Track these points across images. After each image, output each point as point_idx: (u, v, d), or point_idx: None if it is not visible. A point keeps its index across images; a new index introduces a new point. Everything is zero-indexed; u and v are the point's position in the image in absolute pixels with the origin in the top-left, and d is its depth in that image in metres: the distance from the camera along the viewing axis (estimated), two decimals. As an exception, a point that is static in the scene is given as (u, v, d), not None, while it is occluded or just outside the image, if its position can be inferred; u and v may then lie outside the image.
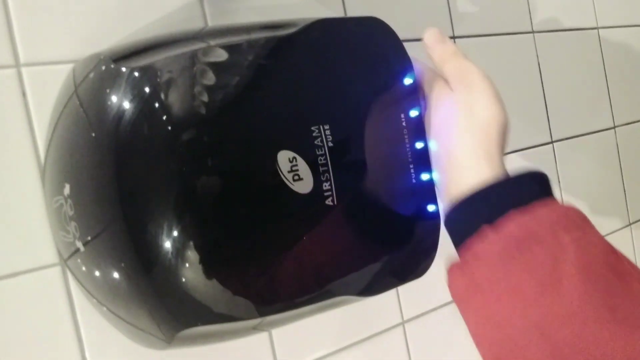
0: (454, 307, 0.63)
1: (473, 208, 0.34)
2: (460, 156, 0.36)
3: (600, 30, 0.83)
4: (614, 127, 0.84)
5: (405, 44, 0.42)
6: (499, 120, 0.36)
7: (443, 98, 0.38)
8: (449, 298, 0.65)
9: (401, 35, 0.41)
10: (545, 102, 0.75)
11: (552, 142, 0.75)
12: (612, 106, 0.84)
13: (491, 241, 0.31)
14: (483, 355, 0.33)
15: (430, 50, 0.41)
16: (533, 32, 0.74)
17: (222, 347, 0.47)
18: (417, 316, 0.61)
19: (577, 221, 0.31)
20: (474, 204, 0.34)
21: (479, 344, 0.33)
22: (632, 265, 0.31)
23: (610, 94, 0.84)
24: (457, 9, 0.65)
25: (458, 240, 0.35)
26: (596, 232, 0.32)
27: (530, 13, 0.74)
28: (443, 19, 0.64)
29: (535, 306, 0.29)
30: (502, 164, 0.35)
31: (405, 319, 0.60)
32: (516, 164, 0.69)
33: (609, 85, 0.84)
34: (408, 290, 0.60)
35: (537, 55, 0.75)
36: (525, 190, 0.33)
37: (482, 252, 0.32)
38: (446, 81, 0.39)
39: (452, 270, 0.35)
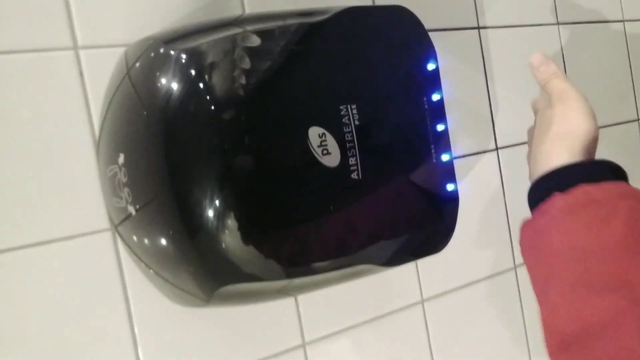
0: (473, 289, 0.66)
1: (549, 180, 0.39)
2: (549, 151, 0.40)
3: (626, 23, 0.84)
4: (638, 119, 0.85)
5: (431, 34, 0.44)
6: (589, 131, 0.40)
7: (544, 113, 0.44)
8: (469, 279, 0.67)
9: (426, 24, 0.44)
10: (569, 93, 0.76)
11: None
12: (637, 98, 0.85)
13: (558, 201, 0.37)
14: (536, 292, 0.39)
15: (535, 70, 0.45)
16: (558, 24, 0.75)
17: (252, 317, 0.51)
18: (437, 296, 0.63)
19: (638, 195, 0.37)
20: (551, 177, 0.39)
21: (534, 282, 0.39)
22: None
23: (635, 86, 0.85)
24: (483, 0, 0.67)
25: (533, 206, 0.40)
26: None
27: (555, 5, 0.75)
28: (468, 9, 0.66)
29: (581, 243, 0.34)
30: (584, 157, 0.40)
31: (424, 297, 0.62)
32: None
33: (633, 78, 0.84)
34: (428, 269, 0.62)
35: (562, 48, 0.76)
36: (598, 171, 0.38)
37: (548, 209, 0.37)
38: (548, 101, 0.44)
39: (522, 227, 0.41)
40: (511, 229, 0.70)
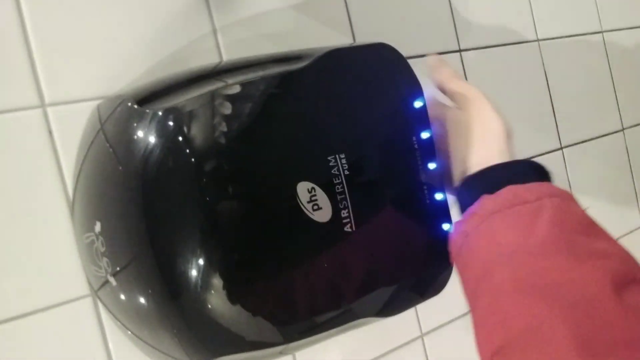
0: (471, 318, 0.64)
1: (477, 182, 0.39)
2: (477, 154, 0.40)
3: (604, 33, 0.84)
4: (623, 130, 0.85)
5: (412, 60, 0.43)
6: (506, 128, 0.41)
7: (456, 116, 0.43)
8: (466, 309, 0.66)
9: (408, 51, 0.43)
10: (553, 109, 0.76)
11: (561, 148, 0.76)
12: (620, 108, 0.85)
13: (486, 203, 0.36)
14: (467, 299, 0.38)
15: (434, 71, 0.45)
16: (538, 40, 0.75)
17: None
18: (436, 328, 0.62)
19: (564, 194, 0.36)
20: (479, 179, 0.39)
21: (465, 289, 0.38)
22: (608, 239, 0.34)
23: (618, 96, 0.85)
24: (462, 21, 0.67)
25: (462, 210, 0.40)
26: (578, 207, 0.36)
27: (534, 22, 0.75)
28: (449, 33, 0.66)
29: (507, 243, 0.34)
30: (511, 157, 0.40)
31: (424, 331, 0.61)
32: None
33: (615, 88, 0.84)
34: (425, 304, 0.61)
35: (543, 63, 0.75)
36: (524, 171, 0.38)
37: (477, 211, 0.37)
38: (451, 103, 0.44)
39: (452, 232, 0.40)
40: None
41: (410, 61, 0.43)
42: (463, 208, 0.39)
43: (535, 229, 0.33)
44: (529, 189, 0.36)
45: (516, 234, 0.34)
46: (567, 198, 0.36)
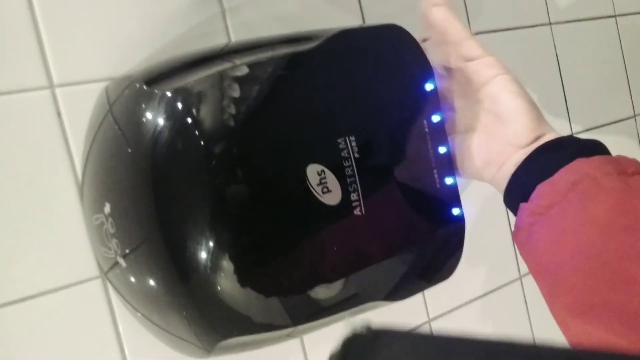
0: (480, 303, 0.64)
1: (549, 154, 0.36)
2: (524, 113, 0.37)
3: (617, 18, 0.82)
4: (635, 116, 0.83)
5: (423, 44, 0.42)
6: (532, 112, 0.38)
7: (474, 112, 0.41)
8: (474, 295, 0.66)
9: (419, 35, 0.42)
10: (565, 94, 0.75)
11: (572, 135, 0.75)
12: (632, 94, 0.84)
13: (523, 216, 0.35)
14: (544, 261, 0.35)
15: (448, 22, 0.41)
16: (550, 23, 0.74)
17: (257, 355, 0.49)
18: (443, 314, 0.62)
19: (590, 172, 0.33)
20: (550, 150, 0.36)
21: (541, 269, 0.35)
22: None
23: (630, 82, 0.83)
24: (474, 4, 0.65)
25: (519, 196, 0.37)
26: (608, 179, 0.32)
27: (546, 5, 0.73)
28: (459, 15, 0.64)
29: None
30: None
31: (431, 317, 0.61)
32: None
33: (628, 74, 0.83)
34: (433, 289, 0.60)
35: (555, 47, 0.74)
36: (548, 161, 0.35)
37: (518, 226, 0.35)
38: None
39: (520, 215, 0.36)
40: (514, 238, 0.68)
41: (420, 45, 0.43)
42: (521, 193, 0.36)
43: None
44: (556, 184, 0.33)
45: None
46: (595, 173, 0.33)
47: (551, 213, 0.33)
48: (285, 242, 0.36)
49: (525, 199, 0.35)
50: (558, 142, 0.36)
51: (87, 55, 0.43)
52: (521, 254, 0.37)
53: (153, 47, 0.45)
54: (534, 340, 0.67)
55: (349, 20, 0.55)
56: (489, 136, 0.40)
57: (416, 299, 0.60)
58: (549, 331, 0.73)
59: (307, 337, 0.52)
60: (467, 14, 0.65)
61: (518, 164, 0.37)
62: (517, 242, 0.37)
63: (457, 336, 0.30)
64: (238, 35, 0.48)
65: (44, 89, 0.41)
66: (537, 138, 0.37)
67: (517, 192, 0.37)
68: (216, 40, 0.47)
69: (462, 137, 0.43)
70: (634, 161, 0.34)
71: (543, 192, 0.34)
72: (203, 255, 0.34)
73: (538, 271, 0.35)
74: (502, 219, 0.67)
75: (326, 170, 0.35)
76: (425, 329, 0.60)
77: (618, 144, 0.81)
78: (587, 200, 0.31)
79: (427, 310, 0.60)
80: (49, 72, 0.41)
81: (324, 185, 0.35)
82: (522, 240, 0.36)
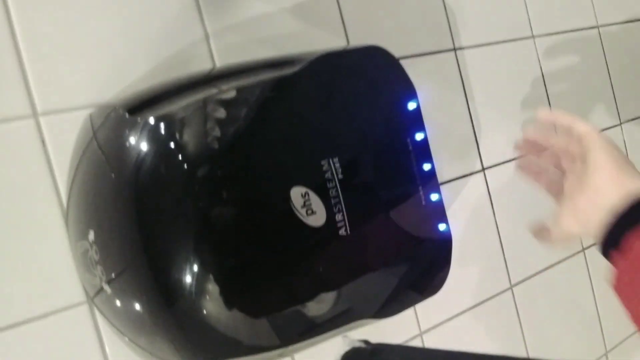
0: (472, 314, 0.64)
1: (605, 233, 0.37)
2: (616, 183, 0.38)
3: (600, 28, 0.83)
4: (620, 124, 0.84)
5: (408, 60, 0.43)
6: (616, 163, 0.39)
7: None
8: (466, 306, 0.66)
9: (403, 51, 0.42)
10: (550, 105, 0.76)
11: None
12: (617, 103, 0.85)
13: (621, 268, 0.36)
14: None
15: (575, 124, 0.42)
16: (533, 36, 0.74)
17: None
18: (435, 326, 0.62)
19: None
20: (606, 229, 0.37)
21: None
22: None
23: (615, 90, 0.84)
24: (456, 21, 0.66)
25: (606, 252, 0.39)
26: None
27: (529, 18, 0.74)
28: (443, 32, 0.65)
29: None
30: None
31: (422, 329, 0.61)
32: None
33: (612, 83, 0.84)
34: (424, 302, 0.61)
35: (539, 59, 0.75)
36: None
37: (617, 279, 0.36)
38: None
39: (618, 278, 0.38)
40: (504, 249, 0.68)
41: (405, 61, 0.43)
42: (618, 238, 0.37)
43: None
44: None
45: None
46: None
47: None
48: (270, 264, 0.36)
49: (616, 244, 0.37)
50: None
51: (70, 83, 0.43)
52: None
53: (137, 72, 0.45)
54: (527, 354, 0.67)
55: (333, 40, 0.55)
56: (579, 192, 0.40)
57: (408, 312, 0.60)
58: (540, 340, 0.73)
59: (298, 356, 0.52)
60: (450, 30, 0.66)
61: (609, 212, 0.38)
62: (617, 290, 0.38)
63: (454, 350, 0.30)
64: (222, 58, 0.48)
65: (28, 118, 0.41)
66: (626, 191, 0.38)
67: (608, 239, 0.38)
68: (201, 64, 0.47)
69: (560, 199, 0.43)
70: None
71: (637, 244, 0.35)
72: (188, 279, 0.34)
73: None
74: (491, 230, 0.68)
75: (310, 192, 0.36)
76: (416, 342, 0.60)
77: (604, 152, 0.81)
78: None
79: (418, 323, 0.60)
80: (33, 101, 0.41)
81: (309, 207, 0.35)
82: (624, 291, 0.37)
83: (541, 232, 0.44)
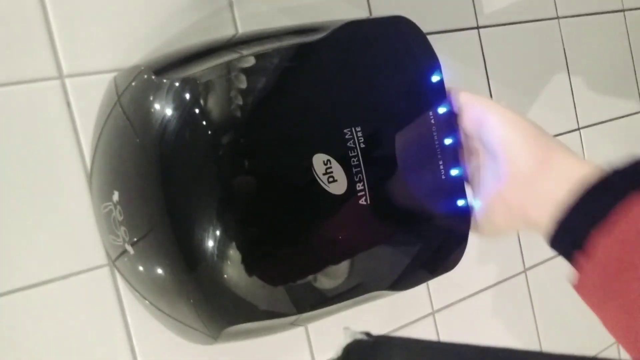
0: (484, 296, 0.64)
1: (561, 231, 0.31)
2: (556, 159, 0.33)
3: (626, 12, 0.82)
4: (643, 111, 0.83)
5: (430, 37, 0.42)
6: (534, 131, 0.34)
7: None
8: (479, 287, 0.66)
9: (426, 27, 0.42)
10: (572, 89, 0.75)
11: (579, 129, 0.75)
12: (640, 89, 0.83)
13: (588, 273, 0.30)
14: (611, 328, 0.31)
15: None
16: (558, 17, 0.73)
17: (262, 345, 0.49)
18: (447, 306, 0.62)
19: None
20: (599, 187, 0.30)
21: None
22: None
23: (638, 77, 0.83)
24: (481, -1, 0.65)
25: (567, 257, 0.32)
26: None
27: (554, -1, 0.73)
28: (467, 9, 0.64)
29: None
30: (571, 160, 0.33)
31: (435, 309, 0.61)
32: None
33: (636, 68, 0.83)
34: (437, 280, 0.61)
35: (563, 41, 0.74)
36: (603, 201, 0.29)
37: (582, 283, 0.30)
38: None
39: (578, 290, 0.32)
40: (519, 233, 0.68)
41: (427, 37, 0.43)
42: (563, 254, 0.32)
43: None
44: (622, 243, 0.28)
45: None
46: None
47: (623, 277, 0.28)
48: (291, 231, 0.36)
49: (578, 245, 0.30)
50: (602, 179, 0.30)
51: (96, 46, 0.43)
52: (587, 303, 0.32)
53: (161, 38, 0.45)
54: (538, 338, 0.67)
55: (356, 12, 0.55)
56: (495, 181, 0.35)
57: (420, 291, 0.60)
58: (552, 325, 0.73)
59: (311, 327, 0.53)
60: (474, 8, 0.65)
61: (557, 206, 0.31)
62: (581, 294, 0.32)
63: (456, 343, 0.30)
64: (245, 26, 0.48)
65: (54, 79, 0.42)
66: (547, 165, 0.33)
67: (566, 238, 0.31)
68: (224, 32, 0.47)
69: (476, 192, 0.39)
70: None
71: (603, 244, 0.28)
72: (210, 243, 0.35)
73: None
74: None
75: (332, 160, 0.36)
76: (429, 321, 0.61)
77: (625, 139, 0.80)
78: None
79: (431, 302, 0.61)
80: (59, 63, 0.42)
81: (330, 174, 0.36)
82: (591, 296, 0.31)
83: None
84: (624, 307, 0.27)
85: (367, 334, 0.29)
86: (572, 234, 0.30)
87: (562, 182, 0.31)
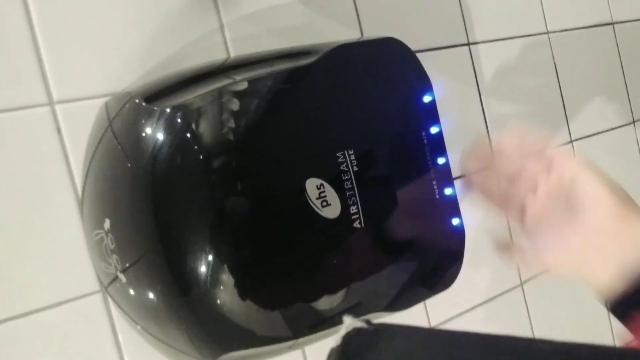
0: (480, 311, 0.64)
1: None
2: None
3: (615, 25, 0.83)
4: (634, 122, 0.84)
5: (421, 54, 0.43)
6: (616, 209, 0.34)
7: (559, 188, 0.36)
8: (475, 302, 0.66)
9: (417, 44, 0.42)
10: (563, 102, 0.75)
11: (571, 142, 0.75)
12: (631, 100, 0.84)
13: None
14: None
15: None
16: (548, 32, 0.74)
17: None
18: (444, 322, 0.61)
19: None
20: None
21: None
22: None
23: (628, 88, 0.84)
24: (471, 14, 0.66)
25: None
26: None
27: (544, 13, 0.74)
28: (457, 25, 0.65)
29: None
30: None
31: (432, 324, 0.61)
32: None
33: (626, 80, 0.83)
34: (434, 297, 0.61)
35: (553, 56, 0.74)
36: None
37: None
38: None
39: None
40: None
41: (419, 55, 0.43)
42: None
43: None
44: None
45: None
46: None
47: None
48: (285, 255, 0.36)
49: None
50: None
51: (86, 72, 0.43)
52: None
53: (152, 62, 0.45)
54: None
55: (347, 33, 0.55)
56: (570, 226, 0.35)
57: (417, 307, 0.59)
58: (550, 336, 0.72)
59: (308, 349, 0.52)
60: (464, 24, 0.65)
61: (629, 267, 0.32)
62: None
63: (457, 330, 0.30)
64: (237, 49, 0.48)
65: (44, 106, 0.41)
66: (627, 222, 0.33)
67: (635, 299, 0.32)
68: (215, 55, 0.47)
69: (539, 230, 0.38)
70: None
71: None
72: (203, 269, 0.34)
73: None
74: (502, 226, 0.67)
75: (325, 184, 0.35)
76: (426, 339, 0.60)
77: (617, 150, 0.81)
78: None
79: (428, 318, 0.60)
80: (49, 89, 0.42)
81: (323, 199, 0.35)
82: None
83: (509, 251, 0.39)
84: None
85: (368, 322, 0.29)
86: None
87: (637, 244, 0.31)
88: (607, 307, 0.33)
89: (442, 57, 0.63)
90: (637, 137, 0.84)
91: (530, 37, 0.72)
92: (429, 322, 0.61)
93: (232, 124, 0.35)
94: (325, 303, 0.38)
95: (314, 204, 0.35)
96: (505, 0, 0.70)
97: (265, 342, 0.37)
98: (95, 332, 0.43)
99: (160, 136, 0.35)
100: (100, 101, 0.41)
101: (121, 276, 0.37)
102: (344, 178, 0.36)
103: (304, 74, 0.37)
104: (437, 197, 0.42)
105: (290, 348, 0.41)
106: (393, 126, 0.40)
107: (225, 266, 0.35)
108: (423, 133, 0.42)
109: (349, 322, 0.30)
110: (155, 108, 0.35)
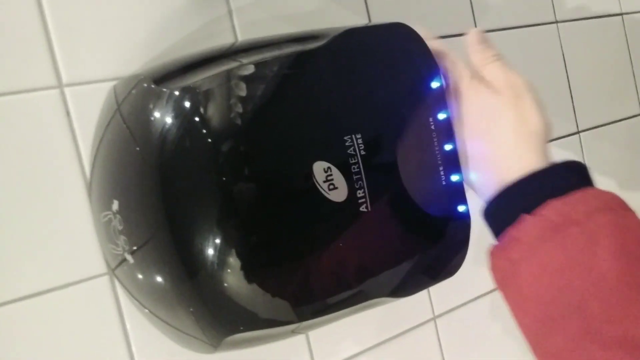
0: (483, 301, 0.64)
1: (512, 199, 0.35)
2: (506, 154, 0.37)
3: (624, 16, 0.82)
4: (642, 114, 0.83)
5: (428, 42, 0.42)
6: (546, 130, 0.38)
7: (487, 100, 0.39)
8: (478, 292, 0.66)
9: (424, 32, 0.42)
10: (571, 92, 0.75)
11: (578, 132, 0.75)
12: (639, 92, 0.83)
13: (528, 226, 0.33)
14: (524, 334, 0.35)
15: (472, 49, 0.42)
16: (556, 22, 0.73)
17: (263, 350, 0.49)
18: (448, 311, 0.62)
19: (613, 205, 0.32)
20: (513, 195, 0.35)
21: (520, 323, 0.35)
22: None
23: (636, 80, 0.83)
24: (480, 3, 0.65)
25: (497, 230, 0.37)
26: (634, 216, 0.32)
27: (553, 3, 0.73)
28: (465, 13, 0.65)
29: (572, 285, 0.30)
30: (547, 160, 0.36)
31: (436, 314, 0.61)
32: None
33: (634, 71, 0.83)
34: (438, 286, 0.61)
35: (561, 45, 0.74)
36: (562, 180, 0.34)
37: (520, 235, 0.33)
38: (481, 80, 0.40)
39: (493, 254, 0.37)
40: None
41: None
42: (497, 222, 0.36)
43: (597, 264, 0.29)
44: (574, 204, 0.32)
45: (575, 271, 0.30)
46: (618, 207, 0.32)
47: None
48: (291, 239, 0.36)
49: (528, 209, 0.34)
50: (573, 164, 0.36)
51: (95, 55, 0.43)
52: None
53: (161, 46, 0.45)
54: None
55: (355, 19, 0.55)
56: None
57: (421, 296, 0.60)
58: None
59: (312, 334, 0.52)
60: (473, 13, 0.65)
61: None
62: (501, 254, 0.36)
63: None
64: (245, 34, 0.48)
65: (53, 89, 0.42)
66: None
67: (518, 200, 0.35)
68: (223, 40, 0.47)
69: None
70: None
71: (553, 205, 0.33)
72: (210, 251, 0.34)
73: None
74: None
75: (332, 167, 0.36)
76: (430, 326, 0.60)
77: (624, 142, 0.80)
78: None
79: (432, 307, 0.60)
80: (58, 72, 0.42)
81: (331, 182, 0.35)
82: (520, 249, 0.34)
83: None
84: (561, 245, 0.30)
85: None
86: (528, 199, 0.34)
87: (526, 169, 0.35)
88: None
89: (450, 44, 0.62)
90: (644, 129, 0.84)
91: (538, 27, 0.72)
92: (433, 311, 0.61)
93: (239, 107, 0.35)
94: (329, 287, 0.38)
95: (321, 187, 0.35)
96: (514, -11, 0.70)
97: (270, 325, 0.37)
98: (102, 314, 0.43)
99: (168, 119, 0.35)
100: (110, 84, 0.41)
101: (129, 257, 0.38)
102: (351, 162, 0.36)
103: (312, 57, 0.37)
104: (444, 183, 0.42)
105: (294, 332, 0.41)
106: (401, 111, 0.40)
107: (233, 249, 0.35)
108: (431, 119, 0.42)
109: None
110: (164, 90, 0.35)
